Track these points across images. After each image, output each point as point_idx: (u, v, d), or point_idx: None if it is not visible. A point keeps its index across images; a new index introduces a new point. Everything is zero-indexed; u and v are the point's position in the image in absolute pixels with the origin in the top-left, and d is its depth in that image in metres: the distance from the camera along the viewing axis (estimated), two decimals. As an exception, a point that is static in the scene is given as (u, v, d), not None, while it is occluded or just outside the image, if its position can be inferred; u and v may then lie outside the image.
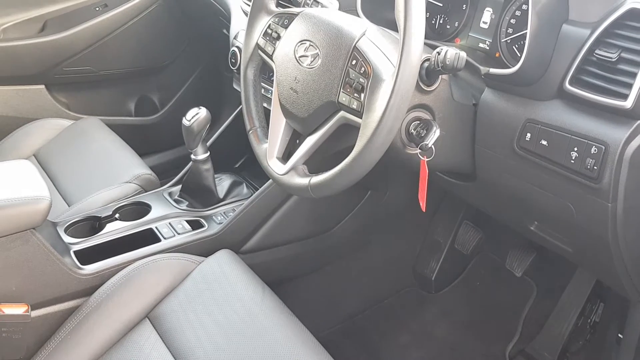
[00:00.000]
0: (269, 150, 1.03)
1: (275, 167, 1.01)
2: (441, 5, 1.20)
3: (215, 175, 1.43)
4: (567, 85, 0.92)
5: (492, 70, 0.98)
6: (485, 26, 1.13)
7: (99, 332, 1.06)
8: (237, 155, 1.68)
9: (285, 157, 1.02)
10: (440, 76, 0.94)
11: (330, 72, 0.91)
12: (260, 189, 1.34)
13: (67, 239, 1.21)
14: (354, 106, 0.87)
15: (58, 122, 1.72)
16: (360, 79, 0.86)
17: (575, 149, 0.92)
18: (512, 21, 1.08)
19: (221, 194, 1.42)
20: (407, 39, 0.78)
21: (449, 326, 1.69)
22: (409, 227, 1.77)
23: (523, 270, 1.68)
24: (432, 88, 0.94)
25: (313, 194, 0.92)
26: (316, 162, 0.98)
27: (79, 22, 1.86)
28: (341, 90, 0.89)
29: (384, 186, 1.56)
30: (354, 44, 0.89)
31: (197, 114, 1.27)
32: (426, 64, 0.90)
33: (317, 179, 0.92)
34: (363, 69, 0.86)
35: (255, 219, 1.35)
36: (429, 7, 1.22)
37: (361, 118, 0.85)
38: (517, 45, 1.07)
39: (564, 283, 1.57)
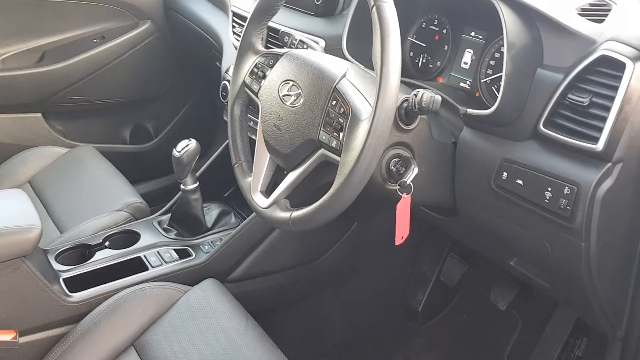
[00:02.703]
0: (252, 183, 1.06)
1: (259, 200, 1.04)
2: (424, 45, 1.25)
3: (204, 205, 1.46)
4: (541, 127, 0.96)
5: (470, 111, 1.03)
6: (466, 66, 1.18)
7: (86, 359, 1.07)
8: (226, 184, 1.71)
9: (268, 190, 1.05)
10: (419, 116, 0.97)
11: (312, 112, 0.95)
12: (247, 219, 1.37)
13: (57, 266, 1.23)
14: (333, 145, 0.91)
15: (53, 150, 1.76)
16: (340, 119, 0.90)
17: (549, 189, 0.95)
18: (492, 62, 1.13)
19: (209, 223, 1.45)
20: (384, 84, 0.82)
21: (436, 358, 1.70)
22: (395, 258, 1.79)
23: (507, 303, 1.70)
24: (411, 127, 0.97)
25: (294, 227, 0.96)
26: (298, 198, 1.01)
27: (76, 53, 1.91)
28: (321, 129, 0.93)
29: (370, 217, 1.59)
30: (334, 85, 0.93)
31: (187, 145, 1.31)
32: (405, 104, 0.94)
33: (297, 213, 0.95)
34: (342, 109, 0.90)
35: (242, 248, 1.38)
36: (413, 46, 1.27)
37: (340, 156, 0.89)
38: (496, 86, 1.11)
39: (547, 317, 1.59)
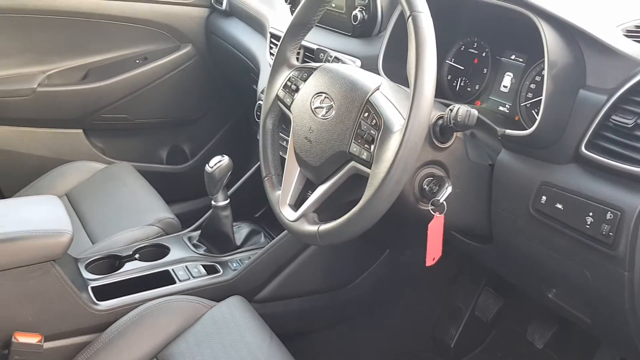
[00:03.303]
0: (281, 197, 1.06)
1: (287, 213, 1.03)
2: (462, 68, 1.24)
3: (235, 223, 1.46)
4: (583, 149, 0.93)
5: (508, 132, 1.00)
6: (506, 90, 1.16)
7: None
8: (257, 205, 1.71)
9: (297, 204, 1.04)
10: (454, 134, 0.95)
11: (343, 123, 0.94)
12: (277, 238, 1.36)
13: (86, 274, 1.24)
14: (364, 157, 0.89)
15: (92, 165, 1.80)
16: (371, 131, 0.89)
17: (591, 214, 0.91)
18: (532, 86, 1.10)
19: (238, 242, 1.45)
20: (417, 94, 0.80)
21: (468, 398, 1.63)
22: (428, 289, 1.74)
23: (544, 342, 1.63)
24: (446, 145, 0.95)
25: (321, 241, 0.94)
26: (327, 213, 0.99)
27: (119, 73, 1.97)
28: (352, 140, 0.92)
29: (403, 245, 1.56)
30: (367, 98, 0.92)
31: (219, 161, 1.32)
32: (440, 122, 0.92)
33: (325, 226, 0.93)
34: (374, 121, 0.89)
35: (270, 267, 1.36)
36: (451, 70, 1.26)
37: (370, 168, 0.87)
38: (536, 110, 1.08)
39: (588, 358, 1.51)
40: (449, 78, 1.27)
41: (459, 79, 1.25)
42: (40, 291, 1.06)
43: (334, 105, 0.96)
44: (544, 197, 0.98)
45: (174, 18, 2.02)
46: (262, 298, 1.38)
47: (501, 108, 1.16)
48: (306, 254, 1.40)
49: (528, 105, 1.11)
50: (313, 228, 0.95)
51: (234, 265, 1.37)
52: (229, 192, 1.47)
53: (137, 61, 2.00)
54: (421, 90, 0.80)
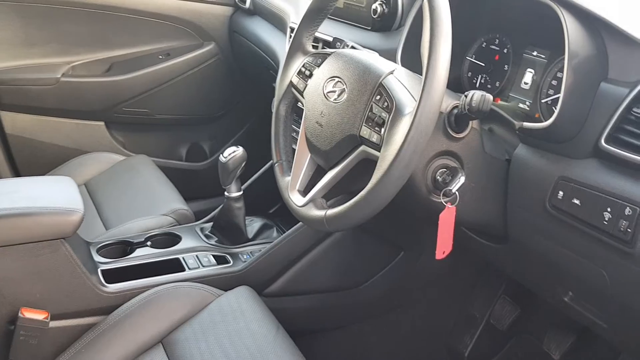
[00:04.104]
0: (291, 182, 1.05)
1: (295, 199, 1.02)
2: (483, 65, 1.22)
3: (248, 217, 1.45)
4: (602, 143, 0.90)
5: (526, 124, 0.98)
6: (526, 87, 1.14)
7: (113, 351, 1.06)
8: (272, 201, 1.71)
9: (306, 190, 1.03)
10: (470, 124, 0.93)
11: (354, 107, 0.93)
12: (289, 232, 1.35)
13: (97, 258, 1.25)
14: (374, 140, 0.88)
15: (111, 157, 1.82)
16: (382, 114, 0.87)
17: (609, 209, 0.88)
18: (554, 82, 1.08)
19: (250, 235, 1.44)
20: (430, 73, 0.79)
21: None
22: (443, 296, 1.71)
23: (562, 353, 1.58)
24: (461, 135, 0.93)
25: (328, 226, 0.92)
26: (337, 201, 0.98)
27: (142, 67, 1.99)
28: (363, 124, 0.90)
29: (419, 248, 1.53)
30: (380, 81, 0.91)
31: (234, 152, 1.31)
32: (455, 111, 0.91)
33: (332, 211, 0.92)
34: (386, 104, 0.88)
35: (281, 261, 1.35)
36: (472, 66, 1.25)
37: (380, 151, 0.85)
38: (557, 107, 1.06)
39: (606, 371, 1.46)
40: (469, 75, 1.26)
41: (480, 76, 1.24)
42: (49, 268, 1.06)
43: (346, 88, 0.95)
44: (560, 193, 0.95)
45: (198, 15, 2.04)
46: (271, 292, 1.37)
47: (521, 105, 1.14)
48: (318, 250, 1.39)
49: (549, 102, 1.08)
50: (320, 213, 0.94)
51: (245, 257, 1.36)
52: (244, 187, 1.46)
53: (160, 57, 2.02)
54: (434, 70, 0.79)
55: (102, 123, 2.01)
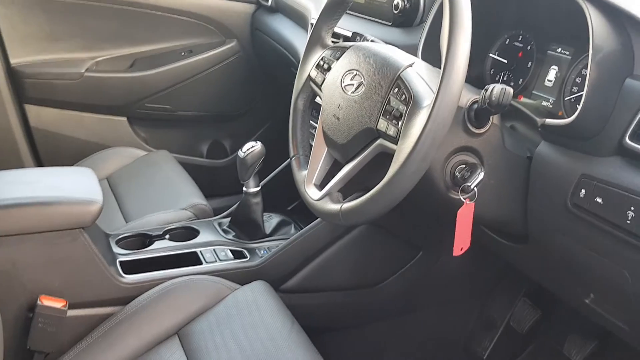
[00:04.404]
0: (307, 176, 1.04)
1: (311, 192, 1.01)
2: (506, 62, 1.20)
3: (266, 213, 1.45)
4: (627, 140, 0.88)
5: (548, 121, 0.96)
6: (550, 84, 1.12)
7: (129, 341, 1.07)
8: (291, 197, 1.70)
9: (323, 185, 1.03)
10: (490, 119, 0.92)
11: (372, 99, 0.92)
12: (306, 228, 1.35)
13: (116, 249, 1.26)
14: (391, 133, 0.87)
15: (133, 152, 1.84)
16: (400, 106, 0.86)
17: (632, 208, 0.86)
18: (578, 80, 1.06)
19: (268, 230, 1.44)
20: (449, 65, 0.78)
21: (499, 413, 1.57)
22: (462, 298, 1.69)
23: (582, 358, 1.55)
24: (481, 131, 0.92)
25: (343, 220, 0.91)
26: (353, 197, 0.97)
27: (164, 63, 2.01)
28: (380, 117, 0.89)
29: (437, 248, 1.51)
30: (398, 73, 0.90)
31: (252, 147, 1.32)
32: (475, 106, 0.89)
33: (348, 205, 0.91)
34: (404, 96, 0.87)
35: (298, 257, 1.35)
36: (494, 63, 1.23)
37: (397, 145, 0.84)
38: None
39: (628, 377, 1.43)
40: (491, 72, 1.24)
41: (502, 73, 1.22)
42: (68, 258, 1.08)
43: (364, 81, 0.94)
44: (583, 191, 0.93)
45: (221, 13, 2.05)
46: (288, 288, 1.36)
47: (544, 103, 1.12)
48: (335, 247, 1.38)
49: (572, 100, 1.06)
50: (336, 207, 0.93)
51: (262, 252, 1.36)
52: (262, 183, 1.47)
53: (183, 53, 2.04)
54: (453, 62, 0.77)
55: (124, 118, 2.03)
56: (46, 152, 1.95)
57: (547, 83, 1.13)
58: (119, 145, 1.93)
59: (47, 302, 1.04)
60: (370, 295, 1.48)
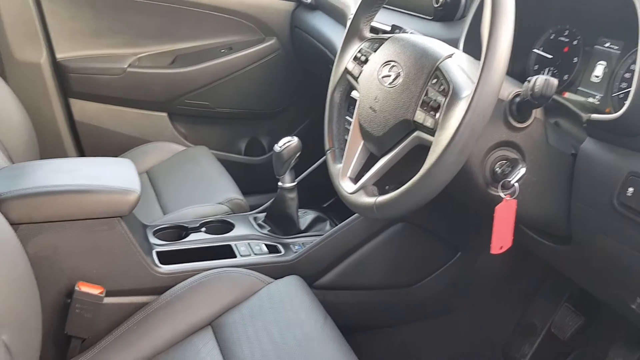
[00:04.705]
0: (342, 169, 1.03)
1: (346, 185, 1.00)
2: (551, 57, 1.17)
3: (301, 209, 1.45)
4: (678, 136, 0.84)
5: (594, 116, 0.92)
6: (597, 80, 1.08)
7: (164, 330, 1.09)
8: (327, 194, 1.69)
9: (357, 178, 1.01)
10: (533, 113, 0.89)
11: (410, 90, 0.90)
12: (342, 224, 1.34)
13: (153, 240, 1.28)
14: (428, 124, 0.85)
15: (172, 146, 1.87)
16: (438, 97, 0.84)
17: (684, 208, 0.82)
18: (627, 75, 1.02)
19: (303, 226, 1.44)
20: (490, 53, 0.75)
21: None
22: (502, 301, 1.64)
23: (627, 369, 1.49)
24: (524, 125, 0.89)
25: (378, 213, 0.90)
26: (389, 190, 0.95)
27: (204, 60, 2.03)
28: (418, 108, 0.87)
29: (477, 249, 1.48)
30: (437, 64, 0.88)
31: (288, 142, 1.32)
32: (517, 99, 0.86)
33: (382, 198, 0.89)
34: (442, 87, 0.84)
35: (333, 253, 1.34)
36: (539, 59, 1.19)
37: (434, 136, 0.82)
38: (629, 101, 1.00)
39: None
40: (535, 68, 1.21)
41: (547, 69, 1.18)
42: (105, 246, 1.09)
43: (401, 72, 0.93)
44: (630, 189, 0.89)
45: (261, 10, 2.06)
46: (321, 284, 1.35)
47: (591, 99, 1.08)
48: (371, 244, 1.36)
49: (621, 96, 1.02)
50: (370, 200, 0.92)
51: (296, 247, 1.36)
52: (299, 179, 1.46)
53: (222, 50, 2.05)
54: (494, 51, 0.75)
55: (165, 114, 2.06)
56: (89, 145, 2.00)
57: (593, 79, 1.09)
58: (159, 140, 1.97)
59: (85, 288, 1.06)
60: (406, 295, 1.46)
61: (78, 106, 1.96)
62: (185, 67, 2.01)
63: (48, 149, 1.89)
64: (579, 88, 1.11)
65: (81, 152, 2.02)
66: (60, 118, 1.93)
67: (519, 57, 1.20)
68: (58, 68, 1.90)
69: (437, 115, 0.83)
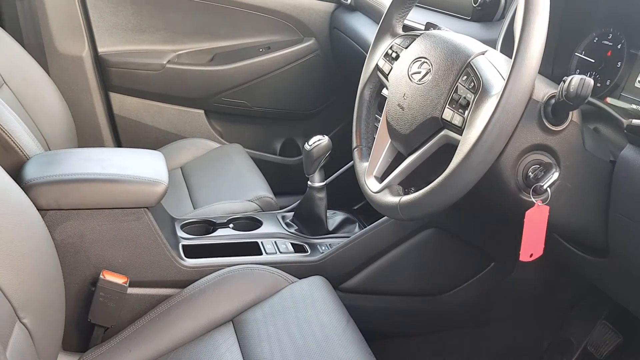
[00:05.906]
0: (368, 168, 1.02)
1: (371, 184, 0.98)
2: (593, 61, 1.12)
3: (330, 210, 1.44)
4: None
5: (635, 121, 0.88)
6: (642, 86, 1.03)
7: (185, 323, 1.09)
8: (358, 197, 1.67)
9: (383, 177, 0.99)
10: (570, 116, 0.85)
11: (439, 87, 0.88)
12: (370, 226, 1.31)
13: (180, 233, 1.29)
14: (456, 122, 0.82)
15: (207, 143, 1.89)
16: (468, 95, 0.81)
17: None
18: (673, 81, 0.97)
19: (331, 227, 1.42)
20: (522, 49, 0.72)
21: None
22: (537, 316, 1.59)
23: (666, 393, 1.41)
24: (559, 128, 0.85)
25: (402, 214, 0.87)
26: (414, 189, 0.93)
27: (242, 59, 2.04)
28: (446, 106, 0.85)
29: (511, 260, 1.43)
30: (468, 61, 0.85)
31: (319, 140, 1.30)
32: (552, 101, 0.83)
33: (407, 197, 0.87)
34: (472, 84, 0.82)
35: (360, 256, 1.32)
36: (580, 63, 1.15)
37: (461, 135, 0.80)
38: (676, 108, 0.95)
39: None
40: (577, 72, 1.16)
41: (589, 73, 1.14)
42: (132, 236, 1.10)
43: (431, 69, 0.90)
44: (673, 200, 0.84)
45: (301, 11, 2.06)
46: (347, 287, 1.33)
47: (635, 106, 1.03)
48: (400, 249, 1.33)
49: (667, 103, 0.97)
50: (395, 199, 0.89)
51: (323, 248, 1.34)
52: (329, 180, 1.45)
53: (261, 50, 2.06)
54: (526, 46, 0.72)
55: (201, 111, 2.08)
56: (127, 139, 2.04)
57: (637, 85, 1.04)
58: (195, 136, 1.99)
59: (109, 277, 1.07)
60: (434, 303, 1.42)
61: (117, 100, 2.00)
62: (223, 65, 2.02)
63: (87, 141, 1.94)
64: (622, 94, 1.06)
65: (119, 145, 2.06)
66: (100, 111, 1.98)
67: (560, 60, 1.15)
68: (99, 62, 1.95)
69: (466, 113, 0.81)
